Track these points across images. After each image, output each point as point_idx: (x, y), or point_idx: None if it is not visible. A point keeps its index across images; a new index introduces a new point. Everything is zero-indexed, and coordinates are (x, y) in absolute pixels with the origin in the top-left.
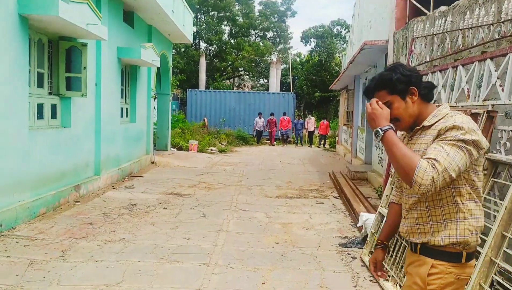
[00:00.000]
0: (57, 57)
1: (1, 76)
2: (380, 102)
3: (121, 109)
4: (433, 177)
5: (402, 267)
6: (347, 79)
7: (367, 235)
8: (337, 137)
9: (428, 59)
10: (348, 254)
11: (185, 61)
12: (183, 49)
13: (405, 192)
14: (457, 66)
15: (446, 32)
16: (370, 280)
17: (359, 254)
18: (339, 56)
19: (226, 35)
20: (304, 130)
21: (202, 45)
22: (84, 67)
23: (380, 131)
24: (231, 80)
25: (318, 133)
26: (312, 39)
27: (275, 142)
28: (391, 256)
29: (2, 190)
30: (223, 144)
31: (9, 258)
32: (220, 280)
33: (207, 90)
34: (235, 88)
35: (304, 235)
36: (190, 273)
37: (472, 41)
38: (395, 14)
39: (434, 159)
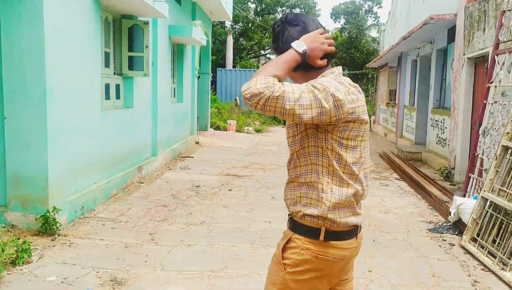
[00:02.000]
0: (119, 36)
1: (79, 56)
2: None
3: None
4: (264, 90)
5: None
6: (388, 56)
7: (458, 220)
8: (373, 117)
9: None
10: (444, 240)
11: (212, 40)
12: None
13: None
14: None
15: None
16: (482, 269)
17: (454, 240)
18: (371, 35)
19: (252, 13)
20: None
21: (228, 23)
22: (146, 46)
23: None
24: (257, 58)
25: None
26: (342, 16)
27: None
28: (497, 242)
29: (82, 171)
30: (256, 124)
31: (102, 241)
32: None
33: (236, 69)
34: (261, 66)
35: (386, 219)
36: None
37: None
38: None
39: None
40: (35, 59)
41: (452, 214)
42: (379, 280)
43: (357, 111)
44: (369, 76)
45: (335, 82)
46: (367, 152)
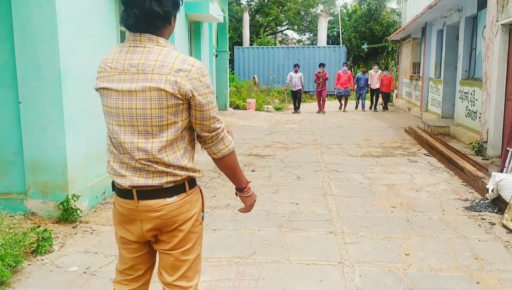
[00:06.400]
0: None
1: (94, 35)
2: None
3: None
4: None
5: None
6: (412, 27)
7: (497, 197)
8: (395, 91)
9: None
10: (483, 219)
11: (227, 17)
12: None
13: None
14: None
15: None
16: None
17: (495, 219)
18: (391, 7)
19: None
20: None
21: (243, 0)
22: None
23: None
24: (274, 35)
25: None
26: None
27: (324, 109)
28: None
29: (101, 155)
30: (276, 102)
31: None
32: (358, 251)
33: (254, 46)
34: (278, 43)
35: (417, 197)
36: (320, 242)
37: None
38: None
39: None
40: (48, 39)
41: (490, 191)
42: (417, 264)
43: (97, 82)
44: (388, 50)
45: None
46: (113, 121)
